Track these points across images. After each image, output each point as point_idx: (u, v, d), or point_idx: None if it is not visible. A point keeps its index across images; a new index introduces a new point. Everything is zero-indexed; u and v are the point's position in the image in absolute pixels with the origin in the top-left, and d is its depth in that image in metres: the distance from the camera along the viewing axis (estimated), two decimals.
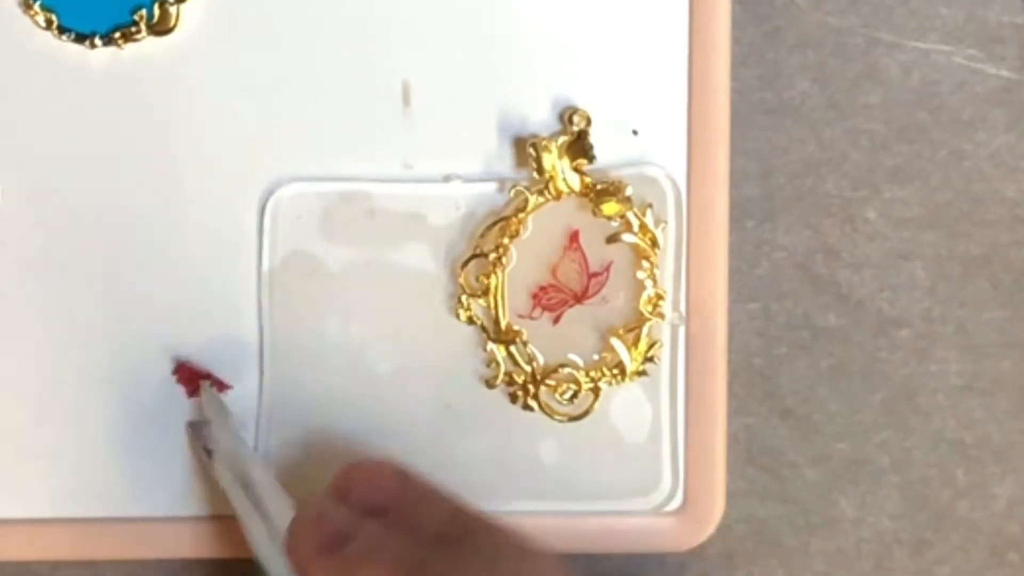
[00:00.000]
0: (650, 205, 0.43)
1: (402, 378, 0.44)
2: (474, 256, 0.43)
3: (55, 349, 0.43)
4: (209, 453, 0.42)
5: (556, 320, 0.44)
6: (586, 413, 0.44)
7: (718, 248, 0.44)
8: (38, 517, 0.43)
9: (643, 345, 0.44)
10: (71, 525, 0.43)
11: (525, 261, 0.43)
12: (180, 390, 0.43)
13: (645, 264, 0.43)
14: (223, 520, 0.43)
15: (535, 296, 0.44)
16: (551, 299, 0.44)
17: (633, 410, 0.44)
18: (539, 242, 0.43)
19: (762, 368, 0.46)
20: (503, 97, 0.43)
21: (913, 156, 0.46)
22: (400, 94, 0.43)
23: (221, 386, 0.43)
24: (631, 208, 0.43)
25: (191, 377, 0.43)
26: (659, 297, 0.44)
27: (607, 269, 0.44)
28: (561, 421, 0.44)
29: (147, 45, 0.42)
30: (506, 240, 0.43)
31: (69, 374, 0.43)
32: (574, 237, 0.43)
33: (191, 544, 0.44)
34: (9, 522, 0.43)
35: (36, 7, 0.42)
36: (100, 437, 0.43)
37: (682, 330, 0.44)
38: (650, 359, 0.44)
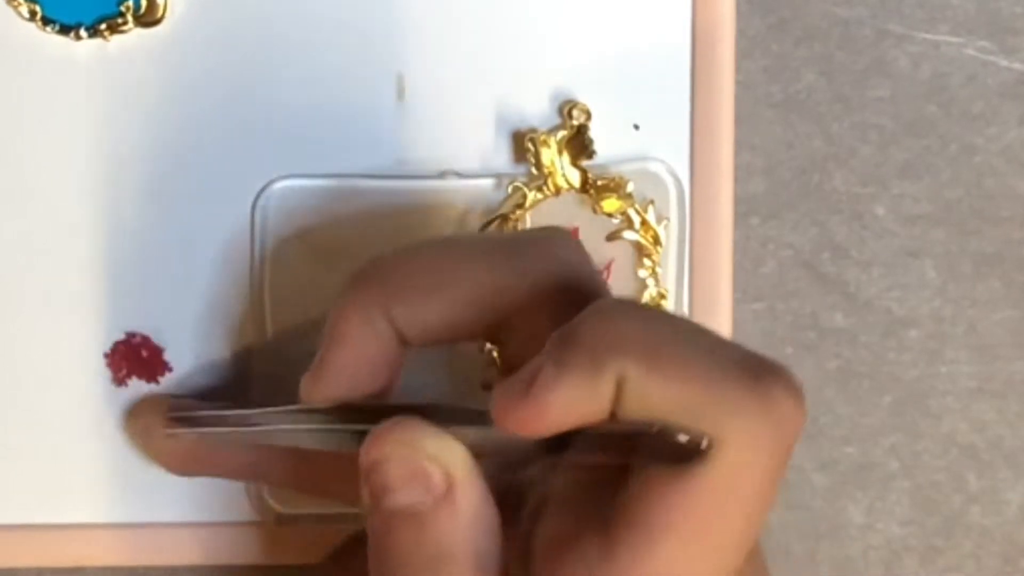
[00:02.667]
0: (652, 201, 0.43)
1: None
2: None
3: (34, 349, 0.43)
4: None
5: None
6: None
7: (722, 246, 0.44)
8: (19, 523, 0.43)
9: None
10: (55, 531, 0.43)
11: None
12: (174, 387, 0.43)
13: (647, 262, 0.43)
14: (214, 526, 0.43)
15: None
16: None
17: None
18: None
19: None
20: (500, 91, 0.43)
21: (923, 151, 0.46)
22: (394, 87, 0.43)
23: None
24: (632, 204, 0.43)
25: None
26: (661, 296, 0.43)
27: (608, 267, 0.43)
28: None
29: (134, 37, 0.42)
30: None
31: (51, 374, 0.43)
32: (573, 234, 0.43)
33: (180, 550, 0.44)
34: None
35: None
36: (84, 440, 0.43)
37: None
38: None
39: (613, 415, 0.33)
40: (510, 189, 0.43)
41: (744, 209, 0.45)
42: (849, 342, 0.46)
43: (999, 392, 0.47)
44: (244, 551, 0.43)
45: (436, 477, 0.34)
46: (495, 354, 0.43)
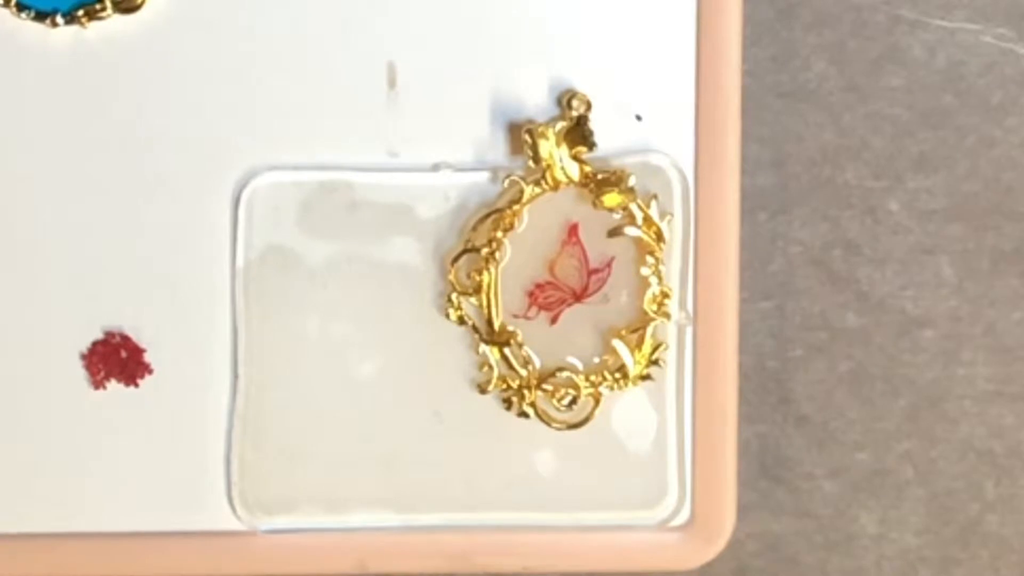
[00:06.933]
0: (655, 196, 0.43)
1: (387, 382, 0.43)
2: (465, 251, 0.43)
3: (4, 348, 0.43)
4: None
5: (554, 320, 0.43)
6: (586, 420, 0.43)
7: (728, 242, 0.43)
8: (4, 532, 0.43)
9: (647, 347, 0.43)
10: (28, 540, 0.43)
11: (520, 256, 0.43)
12: (154, 390, 0.43)
13: (649, 260, 0.43)
14: (194, 536, 0.43)
15: (531, 294, 0.43)
16: (548, 297, 0.43)
17: (636, 417, 0.44)
18: (535, 236, 0.43)
19: (776, 372, 0.47)
20: (496, 80, 0.43)
21: (938, 143, 0.46)
22: (385, 76, 0.42)
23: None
24: (634, 199, 0.42)
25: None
26: (664, 295, 0.43)
27: (608, 265, 0.43)
28: (559, 429, 0.43)
29: (113, 24, 0.42)
30: (500, 234, 0.42)
31: (23, 375, 0.43)
32: (573, 231, 0.43)
33: (159, 561, 0.43)
34: None
35: None
36: (58, 446, 0.43)
37: (689, 331, 0.44)
38: (655, 362, 0.43)
39: None
40: (506, 183, 0.42)
41: (751, 204, 0.45)
42: (862, 343, 0.47)
43: (1018, 395, 0.47)
44: (226, 562, 0.43)
45: None
46: (489, 355, 0.43)
